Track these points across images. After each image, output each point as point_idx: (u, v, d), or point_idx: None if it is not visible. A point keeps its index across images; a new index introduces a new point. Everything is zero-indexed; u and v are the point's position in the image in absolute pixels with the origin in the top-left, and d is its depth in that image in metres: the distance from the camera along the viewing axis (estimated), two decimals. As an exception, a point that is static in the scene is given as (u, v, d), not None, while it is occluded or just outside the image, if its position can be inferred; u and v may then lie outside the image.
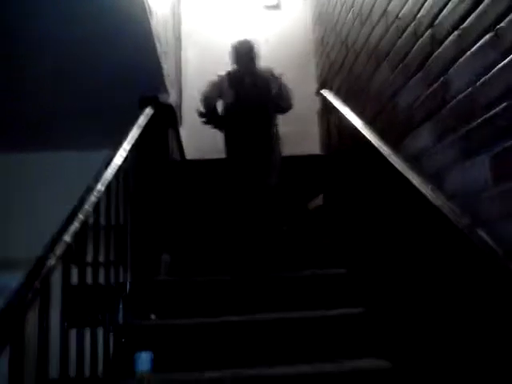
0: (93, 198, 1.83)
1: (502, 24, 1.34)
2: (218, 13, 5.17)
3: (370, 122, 2.54)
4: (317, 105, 4.04)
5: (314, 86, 4.10)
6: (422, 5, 1.89)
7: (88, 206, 1.77)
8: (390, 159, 2.06)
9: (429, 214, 1.69)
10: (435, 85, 1.77)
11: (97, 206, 1.87)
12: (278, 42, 5.04)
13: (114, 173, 2.11)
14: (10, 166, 4.36)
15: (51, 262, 1.40)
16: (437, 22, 1.76)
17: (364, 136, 2.38)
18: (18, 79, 3.32)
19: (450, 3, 1.66)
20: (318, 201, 3.65)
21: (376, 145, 2.23)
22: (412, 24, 1.99)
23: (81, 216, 1.69)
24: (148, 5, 2.85)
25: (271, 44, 5.03)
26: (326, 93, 3.40)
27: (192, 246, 3.37)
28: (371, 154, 2.26)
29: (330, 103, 3.18)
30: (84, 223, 1.70)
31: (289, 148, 4.24)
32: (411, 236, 1.83)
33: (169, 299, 2.65)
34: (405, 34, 2.07)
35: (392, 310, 2.05)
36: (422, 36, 1.89)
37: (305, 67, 4.79)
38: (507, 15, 1.32)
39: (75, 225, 1.62)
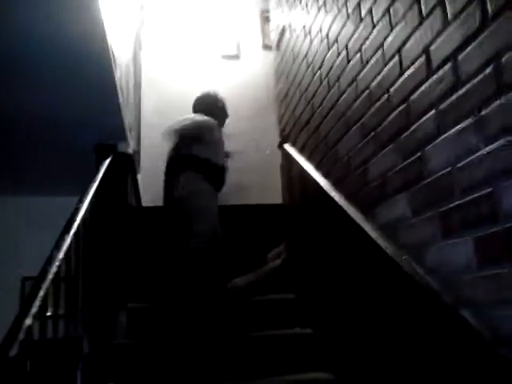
0: (54, 269, 1.73)
1: (487, 110, 1.37)
2: (178, 61, 5.19)
3: (336, 182, 2.55)
4: (278, 156, 4.06)
5: (275, 136, 4.13)
6: (396, 80, 1.93)
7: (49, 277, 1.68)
8: (362, 225, 2.07)
9: (402, 283, 1.71)
10: (411, 158, 1.79)
11: (57, 274, 1.77)
12: (238, 93, 5.09)
13: (72, 236, 2.02)
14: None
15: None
16: (413, 97, 1.80)
17: (332, 198, 2.40)
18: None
19: (426, 82, 1.70)
20: (277, 262, 3.59)
21: (346, 209, 2.24)
22: (385, 96, 2.03)
23: (41, 293, 1.59)
24: (114, 58, 2.81)
25: (230, 95, 5.09)
26: (288, 148, 3.42)
27: (150, 300, 3.26)
28: (339, 216, 2.28)
29: (294, 159, 3.20)
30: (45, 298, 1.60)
31: (251, 197, 4.25)
32: (380, 301, 1.84)
33: (128, 365, 2.52)
34: (377, 104, 2.10)
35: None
36: (395, 109, 1.93)
37: (266, 118, 4.84)
38: (492, 101, 1.35)
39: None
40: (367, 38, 2.20)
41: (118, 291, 3.02)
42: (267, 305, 3.16)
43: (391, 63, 1.97)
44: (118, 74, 3.00)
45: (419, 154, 1.73)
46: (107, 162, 3.02)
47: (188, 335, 2.73)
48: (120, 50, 3.19)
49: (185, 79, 4.99)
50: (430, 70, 1.68)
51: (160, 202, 4.00)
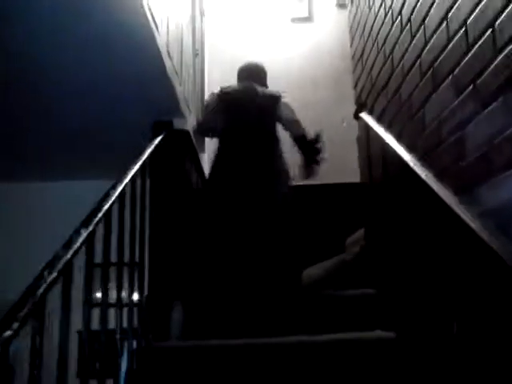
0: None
1: None
2: (244, 28, 4.74)
3: (423, 156, 2.01)
4: (355, 129, 3.52)
5: (351, 107, 3.58)
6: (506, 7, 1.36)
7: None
8: (457, 211, 1.53)
9: None
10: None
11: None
12: (311, 58, 4.57)
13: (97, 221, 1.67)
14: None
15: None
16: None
17: (418, 176, 1.86)
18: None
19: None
20: (356, 248, 3.09)
21: (436, 190, 1.70)
22: (488, 32, 1.46)
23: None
24: (154, 21, 2.41)
25: (301, 61, 4.58)
26: (366, 117, 2.88)
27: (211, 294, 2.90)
28: (427, 198, 1.75)
29: (372, 129, 2.67)
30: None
31: (323, 177, 3.76)
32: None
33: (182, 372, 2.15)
34: (477, 46, 1.54)
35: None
36: (505, 47, 1.37)
37: (341, 87, 4.29)
38: None
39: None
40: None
41: (174, 282, 2.69)
42: (342, 302, 2.69)
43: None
44: (162, 40, 2.60)
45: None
46: (157, 140, 2.72)
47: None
48: (166, 15, 2.79)
49: (251, 47, 4.54)
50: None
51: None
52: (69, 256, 1.28)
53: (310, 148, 3.27)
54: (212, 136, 3.60)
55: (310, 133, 3.31)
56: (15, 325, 0.98)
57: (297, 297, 2.76)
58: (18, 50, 2.42)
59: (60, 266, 1.24)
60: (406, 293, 2.17)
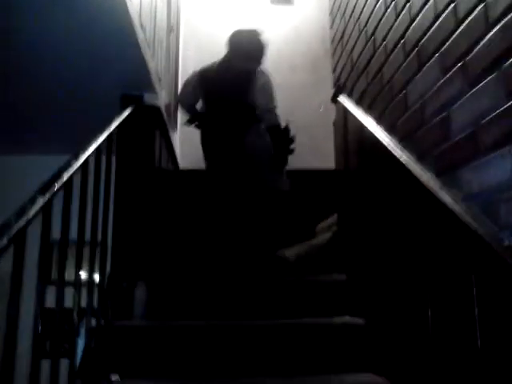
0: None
1: None
2: (222, 7, 4.60)
3: (404, 138, 1.95)
4: (332, 114, 3.45)
5: (330, 92, 3.50)
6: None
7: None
8: (439, 195, 1.46)
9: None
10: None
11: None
12: (289, 41, 4.47)
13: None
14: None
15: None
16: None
17: (397, 160, 1.79)
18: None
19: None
20: (328, 234, 3.03)
21: (417, 174, 1.63)
22: (480, 7, 1.39)
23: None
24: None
25: (281, 43, 4.47)
26: (343, 99, 2.79)
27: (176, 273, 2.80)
28: (407, 182, 1.68)
29: (349, 113, 2.58)
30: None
31: (298, 162, 3.69)
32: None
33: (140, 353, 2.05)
34: (467, 22, 1.47)
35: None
36: (496, 23, 1.29)
37: (320, 70, 4.21)
38: None
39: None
40: None
41: (138, 261, 2.57)
42: (312, 287, 2.62)
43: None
44: (133, 8, 2.46)
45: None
46: (124, 113, 2.59)
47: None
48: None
49: (228, 26, 4.39)
50: None
51: (202, 165, 3.49)
52: (22, 223, 1.16)
53: (282, 138, 3.21)
54: (189, 112, 3.53)
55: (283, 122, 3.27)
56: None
57: (266, 279, 2.68)
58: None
59: (11, 233, 1.12)
60: (377, 279, 2.11)
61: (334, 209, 3.15)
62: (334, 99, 3.02)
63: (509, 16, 1.25)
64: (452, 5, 1.57)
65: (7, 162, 3.98)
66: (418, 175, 1.60)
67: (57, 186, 1.41)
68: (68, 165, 1.57)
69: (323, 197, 3.46)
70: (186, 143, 4.20)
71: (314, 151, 3.93)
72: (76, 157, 1.65)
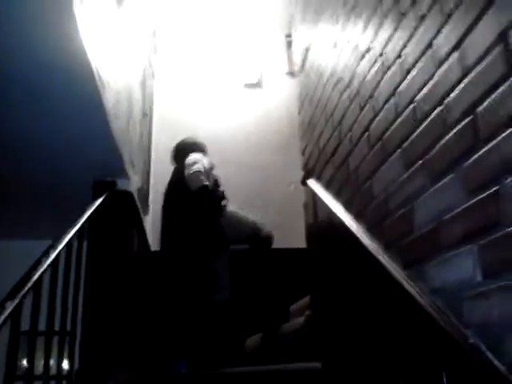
0: None
1: None
2: (195, 91, 4.76)
3: (371, 227, 2.00)
4: (302, 193, 3.53)
5: (299, 172, 3.59)
6: (454, 87, 1.39)
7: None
8: (406, 287, 1.50)
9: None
10: (485, 193, 1.23)
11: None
12: (259, 124, 4.62)
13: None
14: None
15: None
16: (481, 108, 1.25)
17: (365, 248, 1.83)
18: None
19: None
20: (300, 320, 3.00)
21: (385, 263, 1.67)
22: (439, 110, 1.48)
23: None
24: (101, 82, 2.36)
25: (251, 126, 4.62)
26: (313, 184, 2.87)
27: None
28: (375, 270, 1.71)
29: (318, 197, 2.65)
30: None
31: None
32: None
33: None
34: (426, 122, 1.56)
35: None
36: (458, 123, 1.38)
37: (289, 152, 4.34)
38: None
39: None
40: (410, 39, 1.68)
41: (107, 355, 2.50)
42: (287, 376, 2.56)
43: (444, 66, 1.44)
44: (109, 100, 2.54)
45: (496, 187, 1.17)
46: (98, 201, 2.61)
47: None
48: (115, 75, 2.75)
49: (202, 112, 4.54)
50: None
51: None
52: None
53: (211, 196, 3.10)
54: None
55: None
56: None
57: (238, 370, 2.62)
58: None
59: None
60: (353, 367, 2.09)
61: (307, 289, 3.14)
62: (304, 182, 3.10)
63: (465, 120, 1.33)
64: (411, 106, 1.67)
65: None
66: (386, 265, 1.65)
67: (26, 288, 1.39)
68: (39, 263, 1.56)
69: (296, 277, 3.46)
70: (158, 224, 4.20)
71: (284, 230, 3.96)
72: (47, 254, 1.64)
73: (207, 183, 3.02)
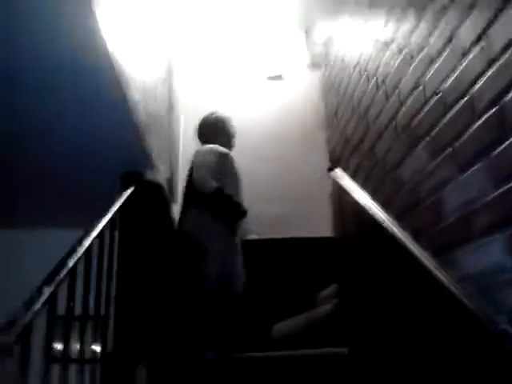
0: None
1: None
2: (218, 85, 4.79)
3: (399, 215, 2.01)
4: (327, 183, 3.55)
5: (323, 162, 3.61)
6: (483, 74, 1.39)
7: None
8: (436, 274, 1.51)
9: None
10: (512, 182, 1.24)
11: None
12: (281, 116, 4.63)
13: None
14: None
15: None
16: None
17: (393, 237, 1.84)
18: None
19: None
20: (328, 306, 3.03)
21: (414, 252, 1.68)
22: (466, 98, 1.49)
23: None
24: (125, 78, 2.41)
25: (273, 117, 4.64)
26: (339, 173, 2.88)
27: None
28: (403, 259, 1.73)
29: (345, 186, 2.66)
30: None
31: (294, 231, 3.74)
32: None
33: None
34: (455, 110, 1.57)
35: None
36: (484, 113, 1.39)
37: (313, 142, 4.33)
38: None
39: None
40: (434, 31, 1.68)
41: (139, 340, 2.57)
42: (314, 361, 2.60)
43: (469, 57, 1.45)
44: (134, 94, 2.59)
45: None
46: (126, 193, 2.66)
47: None
48: (140, 70, 2.80)
49: (225, 104, 4.56)
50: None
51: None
52: (27, 320, 1.20)
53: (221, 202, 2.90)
54: None
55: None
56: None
57: (265, 355, 2.66)
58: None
59: (19, 329, 1.15)
60: (380, 353, 2.11)
61: (333, 278, 3.16)
62: (330, 171, 3.12)
63: (493, 109, 1.34)
64: (439, 94, 1.68)
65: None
66: (415, 253, 1.66)
67: (62, 274, 1.45)
68: (73, 250, 1.61)
69: (323, 266, 3.49)
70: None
71: (309, 220, 3.98)
72: (80, 242, 1.70)
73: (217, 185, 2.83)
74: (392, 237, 1.85)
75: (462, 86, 1.50)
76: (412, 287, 1.70)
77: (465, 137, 1.49)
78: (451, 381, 1.44)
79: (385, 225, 1.95)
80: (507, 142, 1.26)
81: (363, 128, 2.58)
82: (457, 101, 1.54)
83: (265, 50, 4.89)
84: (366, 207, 2.20)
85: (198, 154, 3.06)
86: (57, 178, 3.34)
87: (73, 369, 1.68)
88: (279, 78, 4.82)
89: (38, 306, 1.29)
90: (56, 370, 1.54)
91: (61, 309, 1.56)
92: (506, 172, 1.26)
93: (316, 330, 2.96)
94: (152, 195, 3.03)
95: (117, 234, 2.47)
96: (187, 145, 4.32)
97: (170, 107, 3.98)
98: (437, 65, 1.67)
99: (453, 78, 1.56)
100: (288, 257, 3.72)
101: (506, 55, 1.25)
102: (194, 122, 4.49)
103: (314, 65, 4.54)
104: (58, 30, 2.03)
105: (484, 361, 1.26)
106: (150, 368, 2.53)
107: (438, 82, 1.66)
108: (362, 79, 2.58)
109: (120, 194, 2.55)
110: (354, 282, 2.66)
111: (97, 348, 2.10)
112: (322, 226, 3.75)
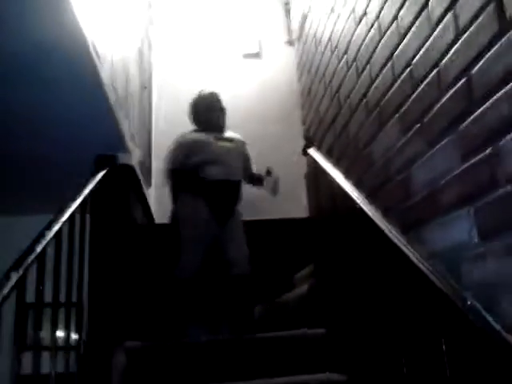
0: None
1: None
2: (194, 62, 4.71)
3: (371, 193, 2.00)
4: (303, 163, 3.53)
5: (299, 142, 3.58)
6: (451, 46, 1.37)
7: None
8: (405, 251, 1.51)
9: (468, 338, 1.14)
10: (480, 154, 1.23)
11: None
12: (259, 94, 4.58)
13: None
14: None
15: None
16: (477, 67, 1.24)
17: (365, 214, 1.84)
18: None
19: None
20: (303, 288, 3.03)
21: (384, 228, 1.68)
22: (435, 72, 1.47)
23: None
24: (97, 54, 2.33)
25: (251, 96, 4.59)
26: (314, 153, 2.86)
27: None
28: (375, 236, 1.72)
29: (319, 166, 2.65)
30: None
31: (271, 212, 3.73)
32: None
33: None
34: (424, 84, 1.55)
35: None
36: (453, 85, 1.37)
37: (289, 122, 4.30)
38: None
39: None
40: (405, 2, 1.65)
41: (115, 326, 2.54)
42: (291, 342, 2.61)
43: (440, 26, 1.42)
44: (105, 73, 2.52)
45: (491, 148, 1.17)
46: (98, 176, 2.61)
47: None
48: (111, 48, 2.72)
49: (201, 82, 4.49)
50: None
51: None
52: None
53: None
54: None
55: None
56: None
57: (245, 337, 2.66)
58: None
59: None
60: (356, 332, 2.12)
61: (310, 258, 3.17)
62: (305, 152, 3.10)
63: (461, 81, 1.32)
64: (408, 69, 1.65)
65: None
66: (385, 231, 1.66)
67: (30, 259, 1.41)
68: (41, 235, 1.57)
69: (300, 246, 3.48)
70: (162, 198, 4.21)
71: (286, 201, 3.97)
72: (49, 227, 1.66)
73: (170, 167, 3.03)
74: (364, 215, 1.84)
75: (430, 60, 1.48)
76: (384, 265, 1.70)
77: (433, 111, 1.47)
78: (425, 357, 1.45)
79: (357, 203, 1.94)
80: (475, 114, 1.25)
81: (336, 106, 2.55)
82: (426, 75, 1.52)
83: (242, 27, 4.81)
84: (340, 186, 2.19)
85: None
86: (29, 163, 3.26)
87: (46, 357, 1.66)
88: (257, 55, 4.76)
89: (5, 290, 1.26)
90: (28, 357, 1.51)
91: (32, 296, 1.53)
92: (474, 145, 1.25)
93: (293, 311, 2.97)
94: (125, 178, 2.98)
95: (88, 217, 2.43)
96: (159, 123, 4.27)
97: (143, 86, 3.90)
98: (407, 39, 1.65)
99: (422, 51, 1.54)
100: (266, 238, 3.71)
101: (474, 25, 1.22)
102: (168, 102, 4.44)
103: (291, 42, 4.48)
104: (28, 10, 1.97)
105: (454, 337, 1.26)
106: (129, 355, 2.51)
107: (409, 57, 1.63)
108: (334, 56, 2.55)
109: (93, 178, 2.50)
110: (328, 262, 2.66)
111: (72, 335, 2.06)
112: (300, 207, 3.75)
